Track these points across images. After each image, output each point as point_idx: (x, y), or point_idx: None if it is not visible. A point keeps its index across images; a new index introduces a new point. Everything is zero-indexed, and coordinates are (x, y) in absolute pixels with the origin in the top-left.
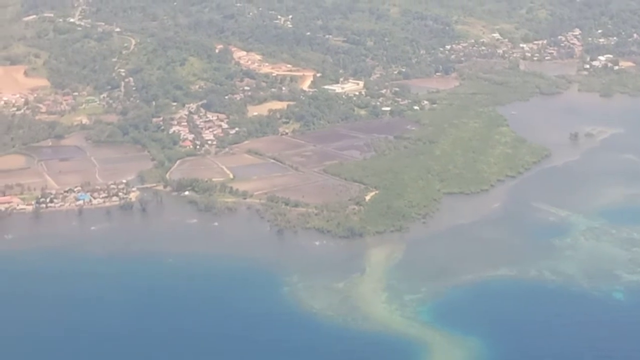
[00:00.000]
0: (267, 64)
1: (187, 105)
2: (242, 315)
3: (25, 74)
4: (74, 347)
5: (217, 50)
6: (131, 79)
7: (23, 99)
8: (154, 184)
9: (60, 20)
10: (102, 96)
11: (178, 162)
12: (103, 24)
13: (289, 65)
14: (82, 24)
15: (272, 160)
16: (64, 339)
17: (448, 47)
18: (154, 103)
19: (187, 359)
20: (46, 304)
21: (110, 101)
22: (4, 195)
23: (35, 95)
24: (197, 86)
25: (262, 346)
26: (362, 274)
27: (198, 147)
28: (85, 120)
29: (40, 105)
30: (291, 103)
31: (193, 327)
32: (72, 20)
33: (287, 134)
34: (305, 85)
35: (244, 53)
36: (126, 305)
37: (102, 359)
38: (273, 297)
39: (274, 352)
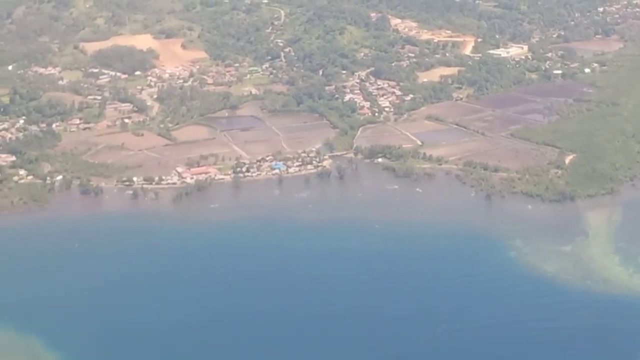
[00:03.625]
0: (425, 31)
1: (356, 73)
2: (477, 280)
3: (183, 46)
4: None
5: (373, 19)
6: (290, 48)
7: (187, 72)
8: (344, 152)
9: None
10: (263, 66)
11: (360, 129)
12: None
13: (448, 31)
14: None
15: (455, 126)
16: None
17: (601, 9)
18: (321, 72)
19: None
20: (282, 280)
21: (274, 71)
22: (199, 166)
23: (198, 67)
24: (362, 54)
25: (508, 312)
26: (586, 237)
27: (377, 114)
28: (254, 91)
29: (206, 77)
30: (461, 69)
31: (435, 295)
32: None
33: (461, 99)
34: (467, 51)
35: (399, 20)
36: (353, 277)
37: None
38: (502, 261)
39: (522, 317)
